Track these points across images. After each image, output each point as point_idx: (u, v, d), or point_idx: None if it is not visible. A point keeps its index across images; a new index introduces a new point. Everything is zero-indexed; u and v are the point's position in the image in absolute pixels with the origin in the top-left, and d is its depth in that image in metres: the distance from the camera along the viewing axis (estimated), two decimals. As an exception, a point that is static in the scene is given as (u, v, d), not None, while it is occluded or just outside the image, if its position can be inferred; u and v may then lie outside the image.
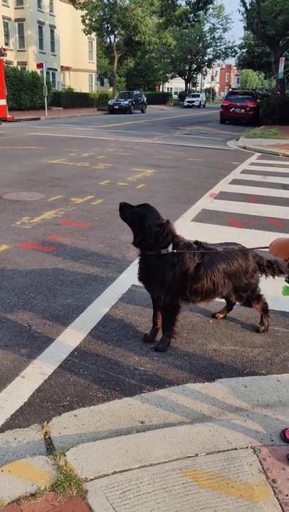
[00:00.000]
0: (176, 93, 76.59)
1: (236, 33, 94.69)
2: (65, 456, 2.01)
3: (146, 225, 2.79)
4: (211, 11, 51.91)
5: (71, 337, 3.17)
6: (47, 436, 2.22)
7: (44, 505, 1.77)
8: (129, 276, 4.12)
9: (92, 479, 1.90)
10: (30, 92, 32.49)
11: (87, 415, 2.39)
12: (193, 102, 53.02)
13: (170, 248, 2.83)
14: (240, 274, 3.07)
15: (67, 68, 48.97)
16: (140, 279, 3.04)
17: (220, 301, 3.59)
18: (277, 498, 1.86)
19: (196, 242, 3.02)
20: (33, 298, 3.76)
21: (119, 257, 4.74)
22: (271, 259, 3.27)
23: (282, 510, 1.80)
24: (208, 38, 62.10)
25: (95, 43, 50.57)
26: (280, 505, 1.83)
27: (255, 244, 4.69)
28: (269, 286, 3.55)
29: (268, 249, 2.09)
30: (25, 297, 3.77)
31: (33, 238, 5.26)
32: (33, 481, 1.87)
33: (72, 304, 3.68)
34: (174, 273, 2.87)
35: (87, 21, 42.03)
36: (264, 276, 3.29)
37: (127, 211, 2.91)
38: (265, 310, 3.32)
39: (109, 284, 4.08)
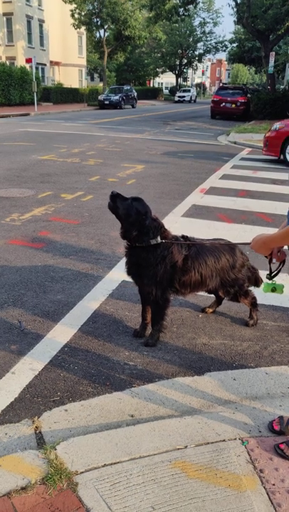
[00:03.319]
0: (166, 88, 76.42)
1: (227, 27, 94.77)
2: (55, 450, 2.03)
3: (145, 223, 2.79)
4: (201, 5, 51.87)
5: (61, 333, 3.18)
6: (38, 431, 2.24)
7: (35, 498, 1.79)
8: (120, 272, 4.13)
9: (82, 472, 1.92)
10: (19, 88, 32.20)
11: (78, 410, 2.41)
12: (184, 97, 52.91)
13: (158, 239, 2.84)
14: (228, 268, 3.10)
15: (57, 63, 48.60)
16: (129, 273, 3.05)
17: (209, 296, 3.62)
18: (264, 487, 1.90)
19: (183, 236, 3.05)
20: (23, 294, 3.77)
21: (110, 253, 4.75)
22: (254, 266, 3.34)
23: (269, 498, 1.84)
24: (198, 33, 61.94)
25: (84, 37, 50.21)
26: (267, 494, 1.87)
27: (245, 239, 4.73)
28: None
29: (249, 245, 2.10)
30: (15, 294, 3.77)
31: (23, 235, 5.25)
32: (24, 475, 1.89)
33: (62, 300, 3.69)
34: (165, 266, 2.89)
35: (76, 15, 41.71)
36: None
37: (120, 202, 2.80)
38: (253, 304, 3.35)
39: (99, 279, 4.10)
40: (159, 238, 2.84)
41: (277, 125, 11.07)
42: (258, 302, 3.42)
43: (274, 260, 2.08)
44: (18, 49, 41.39)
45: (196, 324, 3.41)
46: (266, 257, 2.07)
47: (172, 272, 2.93)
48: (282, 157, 10.86)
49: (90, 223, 5.78)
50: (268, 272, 2.15)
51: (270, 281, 2.12)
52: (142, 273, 2.95)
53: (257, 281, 3.33)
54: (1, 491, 1.80)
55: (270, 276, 2.12)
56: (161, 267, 2.88)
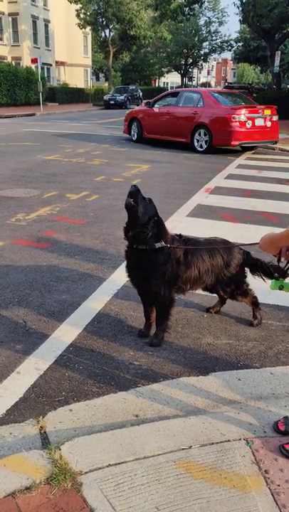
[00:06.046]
0: (172, 88, 76.32)
1: (232, 26, 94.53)
2: (60, 449, 2.03)
3: (160, 222, 2.83)
4: (206, 4, 51.60)
5: (66, 333, 3.19)
6: (42, 431, 2.24)
7: (39, 498, 1.79)
8: (124, 272, 4.13)
9: (86, 472, 1.92)
10: (24, 88, 32.30)
11: (83, 410, 2.41)
12: (189, 96, 52.70)
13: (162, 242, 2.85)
14: (222, 265, 3.09)
15: (62, 63, 48.72)
16: (132, 275, 3.04)
17: (214, 296, 3.61)
18: (269, 488, 1.89)
19: (177, 235, 3.07)
20: (29, 294, 3.77)
21: (115, 253, 4.75)
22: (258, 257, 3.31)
23: (274, 499, 1.84)
24: (203, 32, 61.67)
25: (89, 37, 50.33)
26: (272, 494, 1.86)
27: (249, 238, 4.72)
28: (261, 280, 3.57)
29: (257, 245, 2.09)
30: (20, 293, 3.78)
31: (28, 235, 5.27)
32: (29, 475, 1.89)
33: (67, 299, 3.70)
34: (171, 263, 2.90)
35: (81, 15, 41.86)
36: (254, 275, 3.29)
37: (140, 200, 2.72)
38: (255, 304, 3.33)
39: (104, 279, 4.10)
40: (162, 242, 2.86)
41: (128, 110, 14.30)
42: (263, 302, 3.41)
43: (282, 259, 2.07)
44: (23, 49, 41.55)
45: (200, 324, 3.40)
46: (275, 255, 2.06)
47: (177, 269, 2.94)
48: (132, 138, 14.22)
49: (95, 223, 5.79)
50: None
51: (279, 279, 2.12)
52: (149, 274, 2.92)
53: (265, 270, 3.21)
54: (6, 491, 1.81)
55: (279, 275, 2.13)
56: (169, 265, 2.90)
